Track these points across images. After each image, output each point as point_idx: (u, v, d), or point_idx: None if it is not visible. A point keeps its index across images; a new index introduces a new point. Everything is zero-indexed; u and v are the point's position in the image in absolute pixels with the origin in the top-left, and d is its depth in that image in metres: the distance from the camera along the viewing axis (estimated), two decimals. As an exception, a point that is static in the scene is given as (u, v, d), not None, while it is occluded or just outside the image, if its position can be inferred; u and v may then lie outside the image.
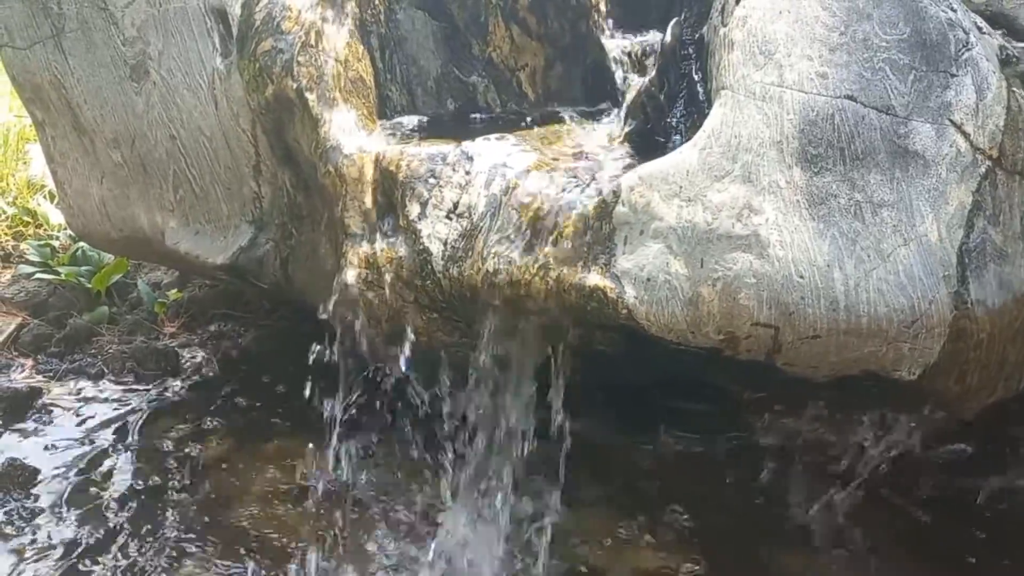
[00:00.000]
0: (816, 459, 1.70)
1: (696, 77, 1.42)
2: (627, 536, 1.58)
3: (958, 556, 1.56)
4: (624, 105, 1.48)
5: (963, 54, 1.16)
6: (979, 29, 1.21)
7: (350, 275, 1.35)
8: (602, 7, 1.56)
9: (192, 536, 1.56)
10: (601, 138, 1.45)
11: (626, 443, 1.80)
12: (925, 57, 1.16)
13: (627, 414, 1.79)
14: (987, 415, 1.50)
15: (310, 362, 1.41)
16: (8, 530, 1.55)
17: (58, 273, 2.33)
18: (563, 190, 1.23)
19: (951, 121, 1.14)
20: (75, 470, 1.73)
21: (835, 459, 1.63)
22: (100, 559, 1.50)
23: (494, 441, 1.40)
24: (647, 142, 1.39)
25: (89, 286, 2.32)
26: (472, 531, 1.50)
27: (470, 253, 1.25)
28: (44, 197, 2.75)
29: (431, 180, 1.29)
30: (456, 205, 1.27)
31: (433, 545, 1.50)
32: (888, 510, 1.63)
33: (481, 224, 1.25)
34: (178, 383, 2.03)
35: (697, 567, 1.52)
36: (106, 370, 2.06)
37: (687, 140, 1.22)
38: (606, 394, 1.67)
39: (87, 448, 1.80)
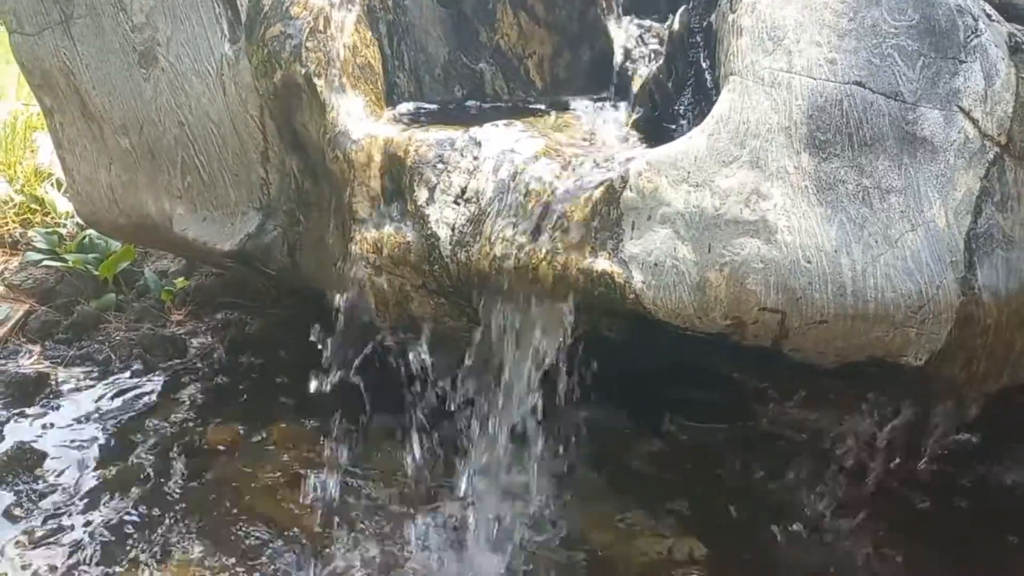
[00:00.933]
0: (820, 447, 1.70)
1: (704, 65, 1.42)
2: (632, 522, 1.59)
3: (961, 545, 1.56)
4: (632, 93, 1.49)
5: (972, 41, 1.16)
6: (988, 16, 1.20)
7: (358, 260, 1.36)
8: (611, -6, 1.56)
9: (199, 520, 1.57)
10: (609, 125, 1.45)
11: (632, 431, 1.81)
12: (934, 44, 1.16)
13: (633, 402, 1.79)
14: (992, 405, 1.51)
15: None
16: (17, 512, 1.57)
17: (65, 260, 2.34)
18: (571, 175, 1.23)
19: (959, 107, 1.15)
20: (82, 455, 1.74)
21: (840, 447, 1.64)
22: (107, 541, 1.51)
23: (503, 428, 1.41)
24: (654, 129, 1.40)
25: (96, 273, 2.33)
26: (479, 513, 1.52)
27: (478, 238, 1.25)
28: (51, 185, 2.76)
29: (439, 165, 1.30)
30: (464, 190, 1.28)
31: (439, 528, 1.52)
32: (893, 499, 1.63)
33: (489, 209, 1.25)
34: (185, 370, 2.04)
35: (701, 553, 1.53)
36: (113, 357, 2.07)
37: (694, 127, 1.22)
38: (612, 382, 1.67)
39: (94, 433, 1.81)
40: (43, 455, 1.70)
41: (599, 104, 1.53)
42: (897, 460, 1.60)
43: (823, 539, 1.56)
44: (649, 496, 1.65)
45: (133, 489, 1.64)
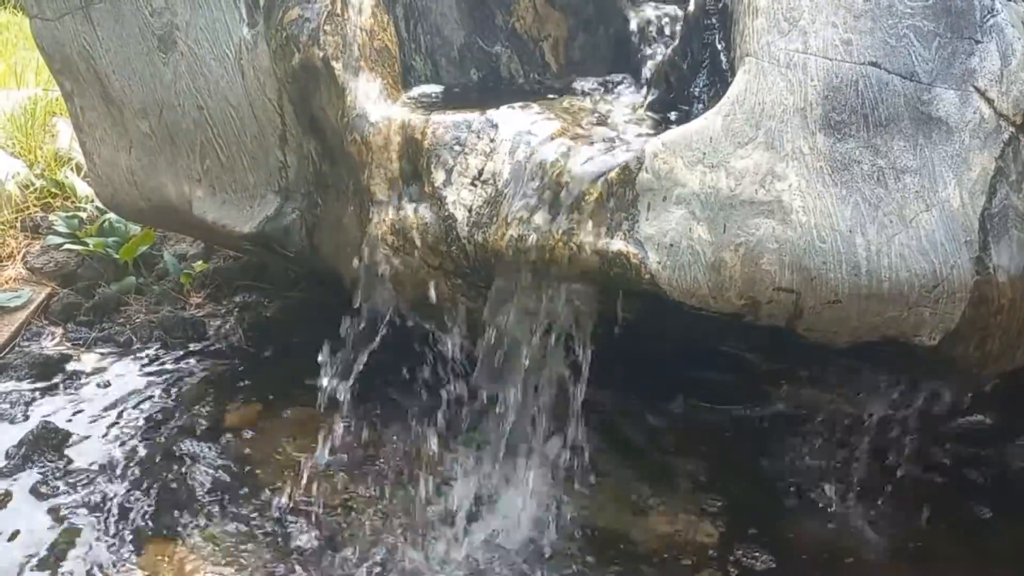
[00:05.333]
0: (835, 428, 1.71)
1: (719, 47, 1.42)
2: (645, 502, 1.60)
3: (974, 525, 1.57)
4: (647, 75, 1.49)
5: (988, 20, 1.16)
6: (1005, -5, 1.20)
7: (376, 241, 1.37)
8: (626, -23, 1.56)
9: (218, 498, 1.59)
10: (624, 107, 1.46)
11: (645, 412, 1.82)
12: (950, 24, 1.16)
13: (646, 383, 1.81)
14: (1005, 386, 1.51)
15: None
16: (44, 489, 1.59)
17: (86, 244, 2.37)
18: (587, 157, 1.24)
19: (975, 87, 1.15)
20: (105, 433, 1.77)
21: (852, 427, 1.65)
22: (131, 518, 1.54)
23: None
24: (670, 111, 1.40)
25: (116, 257, 2.35)
26: (495, 492, 1.53)
27: (495, 219, 1.27)
28: (71, 169, 2.78)
29: (456, 147, 1.31)
30: (481, 172, 1.29)
31: (457, 506, 1.54)
32: (908, 480, 1.64)
33: (506, 191, 1.27)
34: (204, 351, 2.07)
35: (713, 533, 1.54)
36: (134, 338, 2.10)
37: (710, 109, 1.23)
38: (626, 364, 1.69)
39: (117, 413, 1.84)
40: (67, 434, 1.73)
41: (615, 86, 1.53)
42: (912, 440, 1.61)
43: (838, 520, 1.58)
44: (662, 476, 1.66)
45: (154, 467, 1.67)
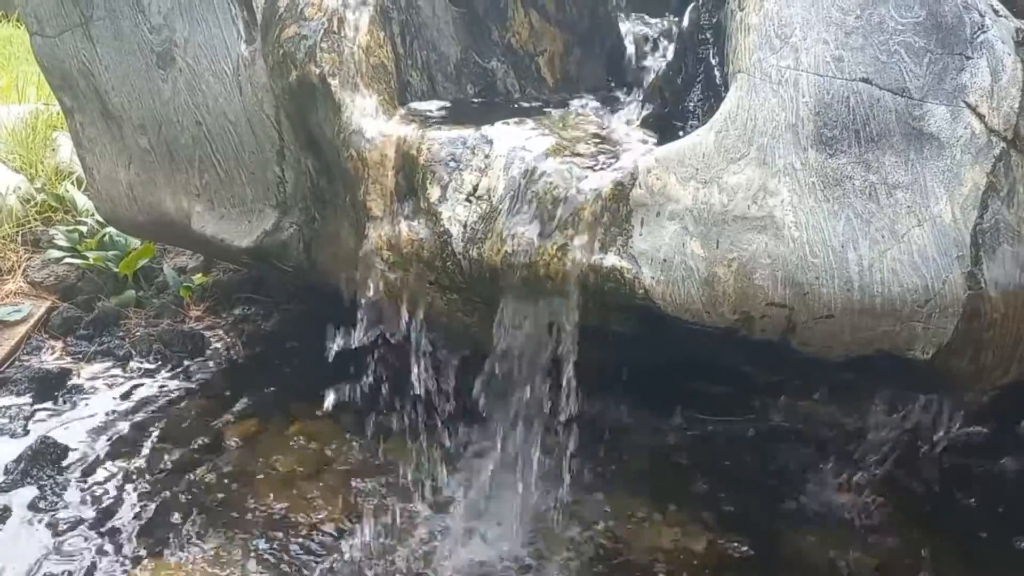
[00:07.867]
0: (831, 440, 1.71)
1: (713, 62, 1.43)
2: (643, 515, 1.60)
3: (972, 537, 1.57)
4: (642, 89, 1.50)
5: (978, 36, 1.17)
6: (995, 11, 1.21)
7: (372, 257, 1.38)
8: (621, -8, 1.57)
9: (217, 512, 1.59)
10: (619, 122, 1.46)
11: (643, 424, 1.82)
12: (940, 40, 1.17)
13: (644, 396, 1.81)
14: (1002, 397, 1.52)
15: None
16: (42, 504, 1.60)
17: (86, 258, 2.38)
18: (581, 173, 1.25)
19: (966, 103, 1.15)
20: (104, 448, 1.77)
21: (850, 440, 1.65)
22: (128, 533, 1.54)
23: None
24: (664, 126, 1.41)
25: (116, 270, 2.37)
26: (492, 502, 1.54)
27: (489, 235, 1.27)
28: (72, 184, 2.80)
29: (451, 163, 1.31)
30: (476, 188, 1.29)
31: (454, 517, 1.54)
32: (905, 491, 1.64)
33: (500, 206, 1.27)
34: (204, 365, 2.08)
35: (713, 545, 1.54)
36: (134, 352, 2.11)
37: (704, 124, 1.24)
38: (623, 377, 1.69)
39: (116, 427, 1.84)
40: (66, 448, 1.74)
41: (610, 101, 1.54)
42: (909, 452, 1.61)
43: (834, 531, 1.58)
44: (660, 488, 1.66)
45: (153, 482, 1.67)
